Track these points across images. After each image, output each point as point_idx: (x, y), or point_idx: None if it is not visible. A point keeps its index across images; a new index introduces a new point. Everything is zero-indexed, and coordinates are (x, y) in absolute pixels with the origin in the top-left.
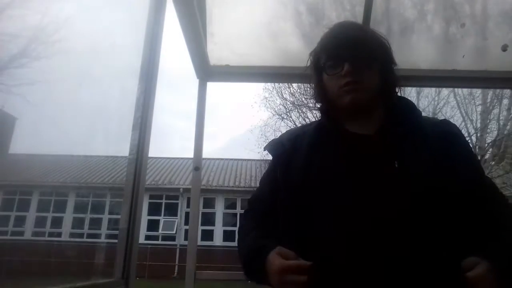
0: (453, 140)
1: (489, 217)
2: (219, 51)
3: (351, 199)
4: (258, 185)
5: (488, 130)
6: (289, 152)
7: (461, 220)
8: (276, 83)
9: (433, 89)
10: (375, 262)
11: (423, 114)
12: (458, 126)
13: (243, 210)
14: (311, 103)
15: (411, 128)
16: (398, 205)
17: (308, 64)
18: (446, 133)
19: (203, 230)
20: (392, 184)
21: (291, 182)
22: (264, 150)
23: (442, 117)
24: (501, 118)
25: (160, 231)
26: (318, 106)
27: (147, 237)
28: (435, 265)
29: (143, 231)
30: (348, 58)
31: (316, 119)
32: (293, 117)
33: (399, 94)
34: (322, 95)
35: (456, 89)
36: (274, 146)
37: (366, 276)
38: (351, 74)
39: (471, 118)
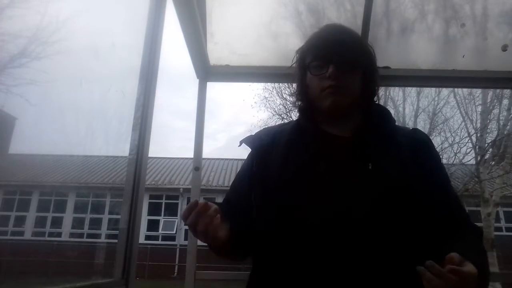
0: (423, 148)
1: (451, 226)
2: (219, 51)
3: (323, 197)
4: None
5: (488, 130)
6: (267, 148)
7: (423, 223)
8: (276, 83)
9: (433, 89)
10: (340, 260)
11: (423, 114)
12: (458, 126)
13: None
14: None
15: (386, 134)
16: (370, 205)
17: (294, 61)
18: (417, 141)
19: None
20: (365, 184)
21: (267, 178)
22: (240, 144)
23: (442, 117)
24: (501, 118)
25: (160, 231)
26: (298, 104)
27: (147, 237)
28: (396, 262)
29: (143, 231)
30: (334, 61)
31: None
32: (293, 117)
33: (377, 102)
34: (303, 93)
35: (456, 89)
36: (252, 140)
37: (335, 275)
38: (335, 77)
39: (471, 118)
